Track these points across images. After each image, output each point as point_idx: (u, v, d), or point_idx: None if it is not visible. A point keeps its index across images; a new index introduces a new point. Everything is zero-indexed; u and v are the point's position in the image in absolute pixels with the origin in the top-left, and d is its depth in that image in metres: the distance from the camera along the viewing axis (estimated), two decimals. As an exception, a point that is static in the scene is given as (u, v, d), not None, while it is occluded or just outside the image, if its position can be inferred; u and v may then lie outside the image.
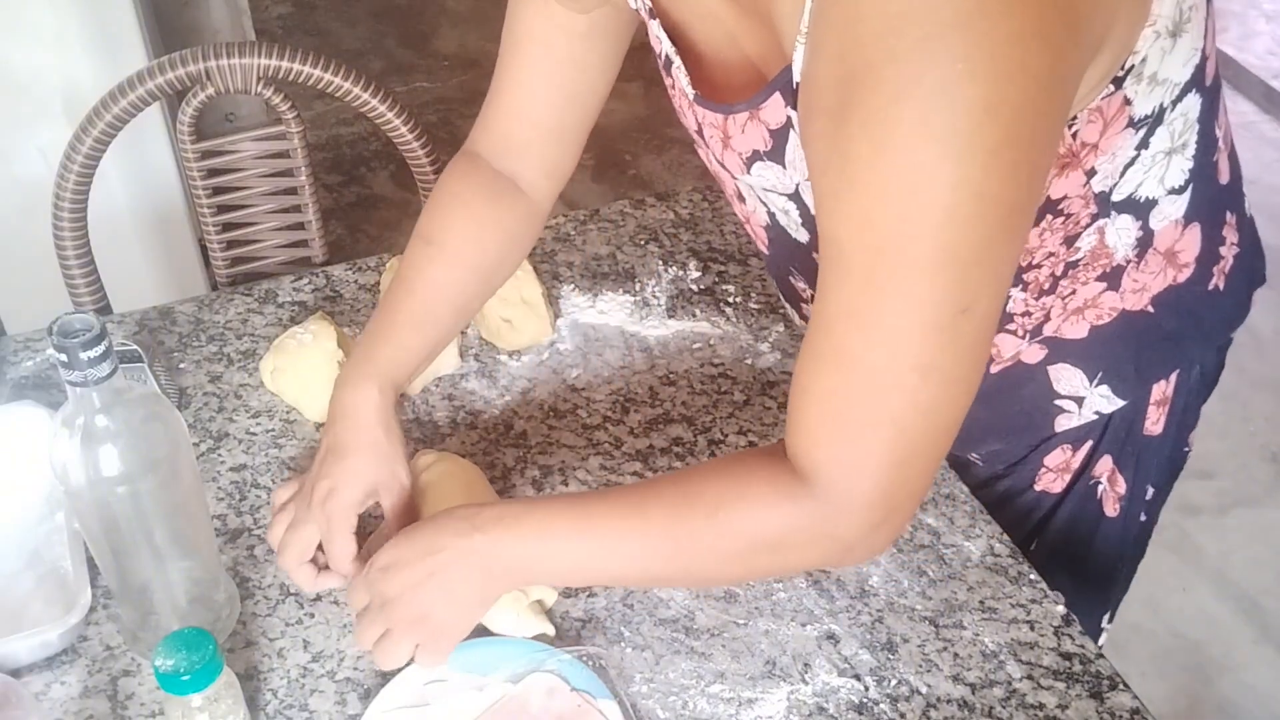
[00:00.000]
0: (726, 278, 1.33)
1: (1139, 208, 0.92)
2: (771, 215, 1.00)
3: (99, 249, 1.42)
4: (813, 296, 1.11)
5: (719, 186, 1.11)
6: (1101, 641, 1.23)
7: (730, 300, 1.30)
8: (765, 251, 1.10)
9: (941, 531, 1.06)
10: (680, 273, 1.33)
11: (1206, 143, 0.92)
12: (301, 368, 1.14)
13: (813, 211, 0.92)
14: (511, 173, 1.07)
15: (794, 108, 0.83)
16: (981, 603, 1.00)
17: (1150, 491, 1.14)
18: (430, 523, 0.90)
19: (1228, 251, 1.01)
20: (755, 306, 1.29)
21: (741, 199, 1.04)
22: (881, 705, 0.93)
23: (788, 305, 1.23)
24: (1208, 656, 2.16)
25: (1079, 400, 1.05)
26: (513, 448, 1.13)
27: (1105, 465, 1.10)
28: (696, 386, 1.20)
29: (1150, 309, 0.99)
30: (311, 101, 3.23)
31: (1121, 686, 0.95)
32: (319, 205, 1.52)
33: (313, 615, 0.98)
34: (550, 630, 0.95)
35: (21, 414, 1.09)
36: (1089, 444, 1.09)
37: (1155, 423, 1.08)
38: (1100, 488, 1.12)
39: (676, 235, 1.39)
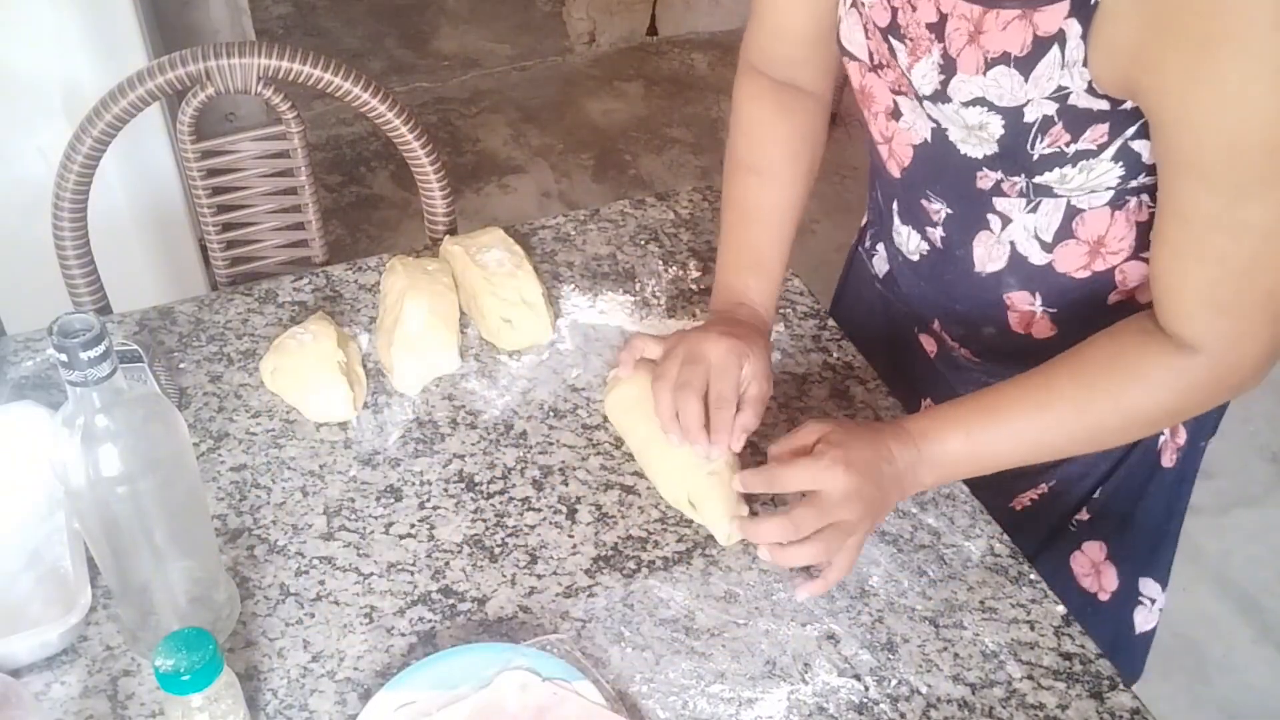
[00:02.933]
0: (726, 278, 1.32)
1: None
2: (938, 133, 1.00)
3: (99, 249, 1.43)
4: (945, 219, 1.08)
5: (856, 114, 1.15)
6: (1160, 608, 1.23)
7: (730, 300, 1.29)
8: (897, 174, 1.10)
9: (941, 531, 1.06)
10: (680, 273, 1.33)
11: None
12: (301, 368, 1.14)
13: (1027, 121, 0.92)
14: (792, 80, 1.18)
15: (1080, 21, 0.85)
16: (982, 603, 1.00)
17: (1202, 446, 1.15)
18: (866, 442, 0.97)
19: None
20: (755, 306, 1.29)
21: (895, 116, 1.04)
22: (881, 705, 0.93)
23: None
24: (1208, 656, 2.16)
25: None
26: (513, 448, 1.13)
27: None
28: (696, 386, 1.20)
29: None
30: (311, 101, 3.23)
31: (1121, 686, 0.95)
32: (319, 205, 1.52)
33: (313, 615, 0.98)
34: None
35: (21, 414, 1.09)
36: None
37: None
38: (1161, 437, 1.11)
39: (676, 235, 1.39)
